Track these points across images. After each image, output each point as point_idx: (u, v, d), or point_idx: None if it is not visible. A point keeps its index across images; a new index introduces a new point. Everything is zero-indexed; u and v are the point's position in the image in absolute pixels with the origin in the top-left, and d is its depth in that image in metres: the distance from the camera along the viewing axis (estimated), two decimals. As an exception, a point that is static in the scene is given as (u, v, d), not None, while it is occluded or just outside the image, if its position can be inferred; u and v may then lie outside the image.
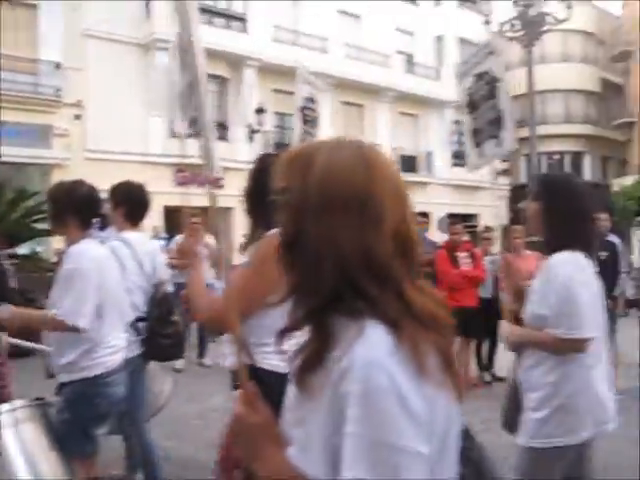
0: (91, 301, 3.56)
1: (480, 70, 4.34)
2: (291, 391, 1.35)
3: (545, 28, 16.97)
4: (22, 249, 13.44)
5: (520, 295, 3.28)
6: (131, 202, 4.65)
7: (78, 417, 3.60)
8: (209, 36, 22.90)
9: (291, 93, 26.90)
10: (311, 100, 5.92)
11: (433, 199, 28.32)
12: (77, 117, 21.04)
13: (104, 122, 20.45)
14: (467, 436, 1.57)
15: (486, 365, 9.08)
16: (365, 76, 27.88)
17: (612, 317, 8.28)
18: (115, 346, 3.79)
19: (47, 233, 9.91)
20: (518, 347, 3.16)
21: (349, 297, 1.23)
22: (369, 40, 28.34)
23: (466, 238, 9.21)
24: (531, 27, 16.68)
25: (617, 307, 8.40)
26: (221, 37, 23.47)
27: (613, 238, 8.48)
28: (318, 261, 1.24)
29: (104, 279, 3.74)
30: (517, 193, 33.69)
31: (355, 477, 1.12)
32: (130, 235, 4.58)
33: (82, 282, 3.56)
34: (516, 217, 31.71)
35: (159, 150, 22.53)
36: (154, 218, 20.31)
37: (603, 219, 8.58)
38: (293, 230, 1.28)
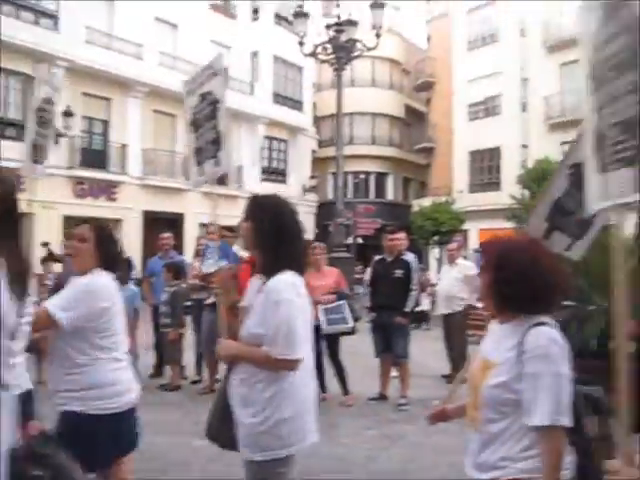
0: None
1: (204, 90, 4.50)
2: None
3: (355, 54, 17.75)
4: None
5: (235, 311, 3.47)
6: None
7: None
8: (14, 30, 21.79)
9: (102, 98, 26.07)
10: (49, 101, 5.70)
11: (239, 213, 28.48)
12: None
13: None
14: (48, 443, 1.86)
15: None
16: (178, 85, 27.47)
17: (404, 331, 8.78)
18: None
19: None
20: (232, 361, 3.28)
21: None
22: (185, 50, 28.09)
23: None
24: (342, 52, 17.37)
25: (407, 322, 8.89)
26: (28, 33, 22.36)
27: (408, 257, 8.95)
28: None
29: None
30: (324, 210, 34.74)
31: None
32: None
33: None
34: (321, 233, 32.51)
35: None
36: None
37: (401, 238, 9.06)
38: None
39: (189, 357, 9.97)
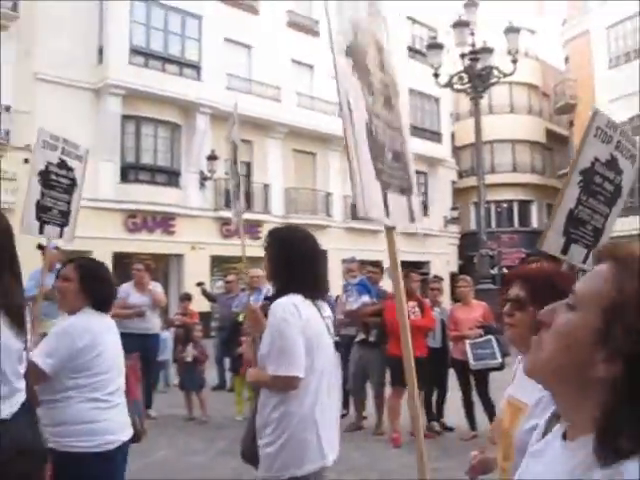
0: None
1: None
2: None
3: (492, 81, 17.44)
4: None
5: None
6: None
7: None
8: (162, 82, 23.03)
9: (244, 140, 26.98)
10: (61, 165, 5.36)
11: (384, 247, 28.51)
12: (26, 161, 20.75)
13: (54, 167, 20.20)
14: None
15: (435, 415, 9.06)
16: (316, 125, 28.14)
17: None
18: None
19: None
20: (255, 386, 3.46)
21: None
22: (321, 90, 28.66)
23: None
24: (478, 80, 17.13)
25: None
26: (174, 84, 23.54)
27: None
28: None
29: None
30: (467, 240, 34.17)
31: None
32: None
33: None
34: (465, 265, 31.85)
35: (109, 196, 22.37)
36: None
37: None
38: None
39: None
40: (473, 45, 17.24)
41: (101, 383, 3.52)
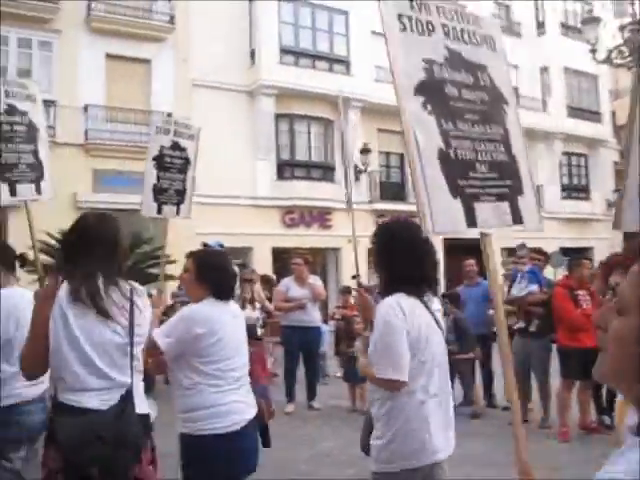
0: None
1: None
2: None
3: (656, 52, 16.40)
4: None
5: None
6: None
7: None
8: (312, 80, 23.38)
9: (396, 132, 26.99)
10: (174, 147, 5.46)
11: (544, 234, 27.55)
12: (188, 164, 21.76)
13: (213, 167, 20.81)
14: None
15: (605, 408, 8.65)
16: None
17: None
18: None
19: (164, 277, 10.00)
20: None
21: None
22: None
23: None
24: (640, 52, 16.15)
25: None
26: (324, 80, 23.80)
27: None
28: None
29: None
30: (633, 224, 32.42)
31: None
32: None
33: None
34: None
35: (267, 193, 23.01)
36: (263, 260, 20.67)
37: None
38: None
39: (498, 384, 9.75)
40: (634, 15, 16.27)
41: (225, 370, 3.67)
